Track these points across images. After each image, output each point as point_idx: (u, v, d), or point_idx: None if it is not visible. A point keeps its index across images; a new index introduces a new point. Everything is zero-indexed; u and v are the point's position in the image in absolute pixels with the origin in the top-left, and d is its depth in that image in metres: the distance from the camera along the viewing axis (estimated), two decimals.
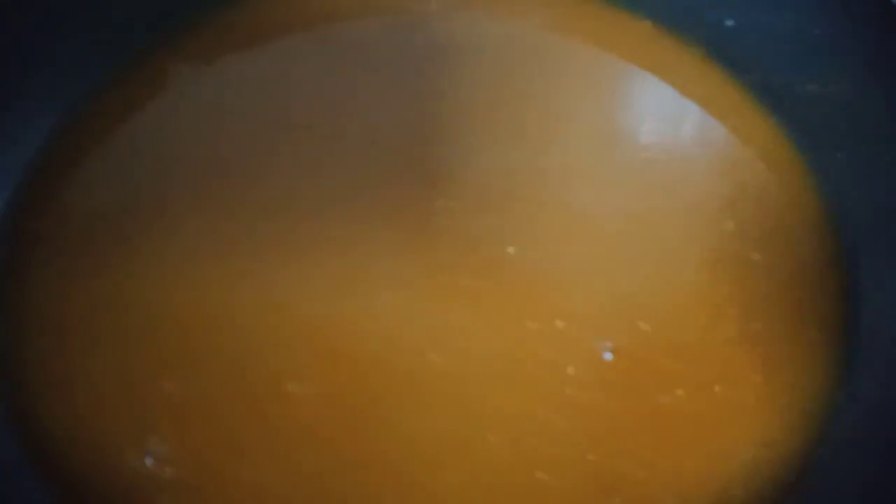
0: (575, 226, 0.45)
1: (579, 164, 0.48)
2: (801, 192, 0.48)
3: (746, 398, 0.40)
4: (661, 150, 0.48)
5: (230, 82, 0.52)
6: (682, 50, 0.53)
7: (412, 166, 0.47)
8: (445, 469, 0.39)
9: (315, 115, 0.51)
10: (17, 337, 0.42)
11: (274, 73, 0.53)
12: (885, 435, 0.40)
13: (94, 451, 0.39)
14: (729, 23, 0.54)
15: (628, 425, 0.39)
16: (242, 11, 0.55)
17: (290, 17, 0.55)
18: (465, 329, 0.42)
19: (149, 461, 0.38)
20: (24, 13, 0.47)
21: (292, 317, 0.42)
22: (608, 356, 0.40)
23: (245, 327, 0.42)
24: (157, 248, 0.44)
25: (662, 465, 0.39)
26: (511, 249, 0.44)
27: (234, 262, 0.44)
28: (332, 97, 0.51)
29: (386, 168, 0.47)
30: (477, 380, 0.40)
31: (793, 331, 0.42)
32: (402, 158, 0.48)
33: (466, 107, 0.50)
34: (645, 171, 0.47)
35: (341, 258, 0.44)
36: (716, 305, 0.42)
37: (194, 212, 0.46)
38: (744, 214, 0.46)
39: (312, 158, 0.48)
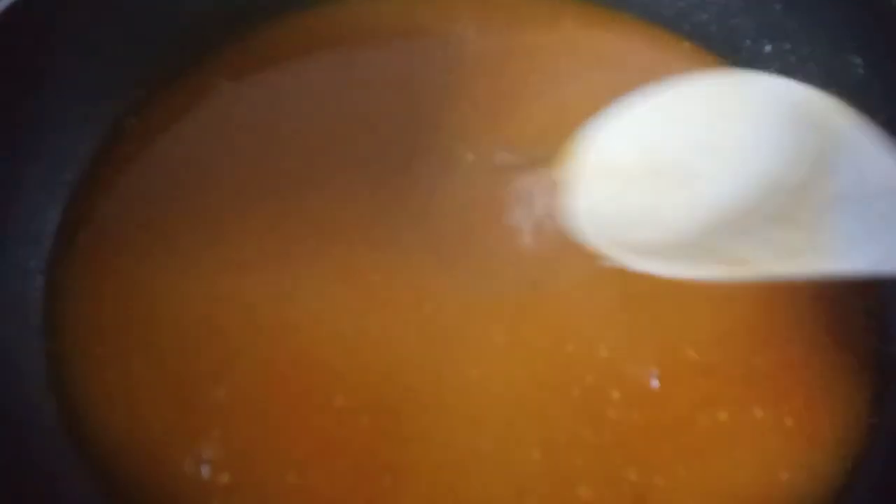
0: None
1: None
2: None
3: (785, 422, 0.41)
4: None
5: (269, 97, 0.54)
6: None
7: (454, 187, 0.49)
8: (488, 482, 0.39)
9: (352, 128, 0.52)
10: (70, 347, 0.44)
11: (311, 87, 0.54)
12: None
13: (145, 458, 0.40)
14: None
15: (670, 446, 0.40)
16: (281, 28, 0.56)
17: (326, 34, 0.57)
18: (508, 349, 0.43)
19: (202, 468, 0.39)
20: (64, 33, 0.48)
21: (338, 329, 0.43)
22: (655, 383, 0.41)
23: (293, 338, 0.43)
24: (203, 260, 0.46)
25: (702, 485, 0.40)
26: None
27: (280, 274, 0.45)
28: (366, 112, 0.53)
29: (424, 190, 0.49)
30: (519, 399, 0.41)
31: (830, 357, 0.43)
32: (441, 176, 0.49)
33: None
34: None
35: (385, 276, 0.45)
36: (759, 332, 0.43)
37: (238, 223, 0.47)
38: None
39: (352, 173, 0.50)
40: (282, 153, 0.51)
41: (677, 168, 0.41)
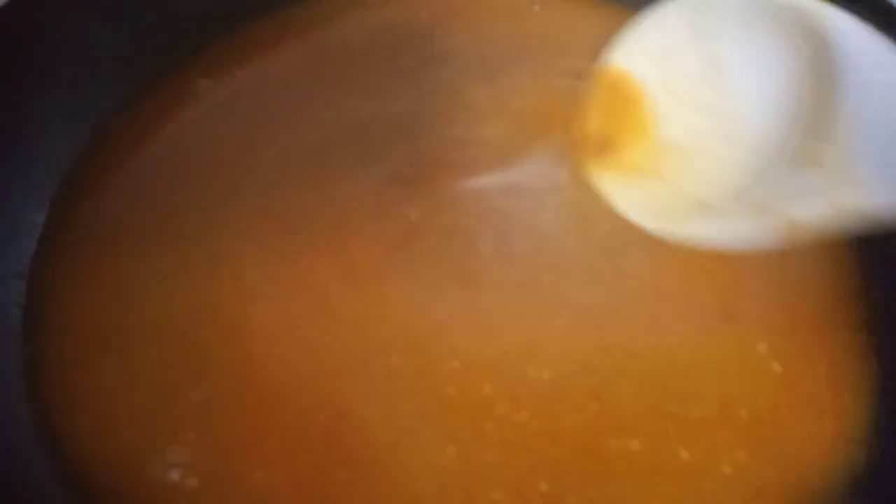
0: None
1: None
2: None
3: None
4: None
5: (253, 97, 0.53)
6: None
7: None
8: (413, 476, 0.40)
9: (340, 130, 0.51)
10: (48, 352, 0.44)
11: (296, 86, 0.53)
12: None
13: (118, 464, 0.40)
14: None
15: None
16: (265, 26, 0.56)
17: (312, 30, 0.56)
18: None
19: (172, 472, 0.39)
20: (47, 35, 0.48)
21: (302, 334, 0.43)
22: None
23: (262, 342, 0.43)
24: (182, 265, 0.45)
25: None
26: None
27: (256, 279, 0.45)
28: (354, 112, 0.52)
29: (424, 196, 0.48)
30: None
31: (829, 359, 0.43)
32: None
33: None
34: None
35: (347, 285, 0.45)
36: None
37: (220, 227, 0.47)
38: None
39: (337, 177, 0.49)
40: (266, 155, 0.50)
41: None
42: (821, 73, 0.37)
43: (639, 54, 0.41)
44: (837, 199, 0.35)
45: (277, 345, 0.43)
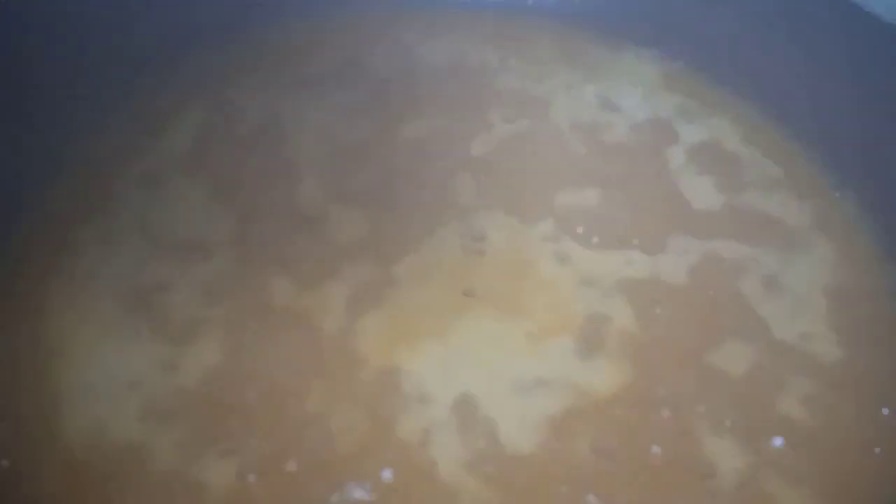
0: None
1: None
2: None
3: None
4: None
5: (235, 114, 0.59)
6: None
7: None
8: None
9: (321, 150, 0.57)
10: None
11: (270, 108, 0.60)
12: None
13: None
14: None
15: None
16: (241, 47, 0.63)
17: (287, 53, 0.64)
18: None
19: None
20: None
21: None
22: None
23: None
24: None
25: None
26: None
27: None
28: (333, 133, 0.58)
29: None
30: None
31: None
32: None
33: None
34: None
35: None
36: None
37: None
38: None
39: (314, 201, 0.54)
40: (240, 177, 0.56)
41: None
42: None
43: None
44: None
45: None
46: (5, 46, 0.53)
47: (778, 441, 0.45)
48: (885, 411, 0.46)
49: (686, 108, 0.63)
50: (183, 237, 0.52)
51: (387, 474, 0.42)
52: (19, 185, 0.52)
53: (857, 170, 0.58)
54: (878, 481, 0.43)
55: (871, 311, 0.51)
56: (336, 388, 0.45)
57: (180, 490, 0.41)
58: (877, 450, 0.45)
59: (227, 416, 0.44)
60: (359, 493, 0.42)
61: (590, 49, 0.66)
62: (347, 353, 0.47)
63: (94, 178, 0.55)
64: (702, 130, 0.61)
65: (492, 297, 0.50)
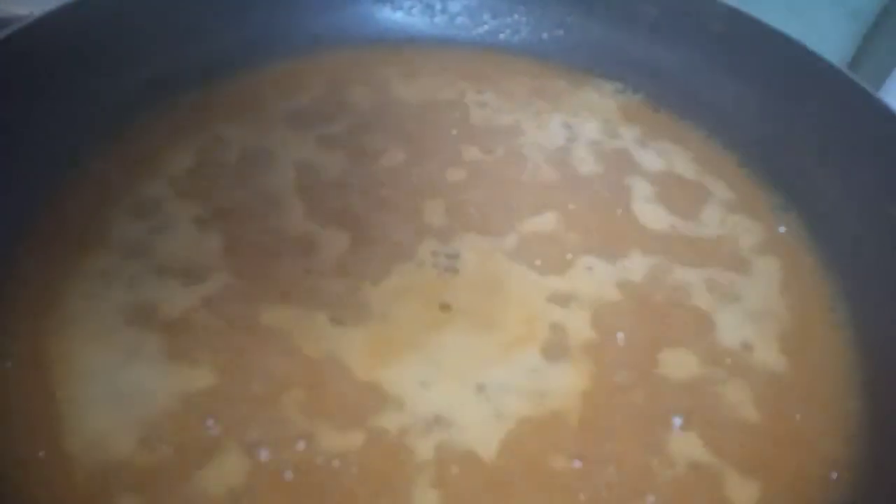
0: None
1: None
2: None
3: None
4: None
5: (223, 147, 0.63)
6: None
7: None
8: None
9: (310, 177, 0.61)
10: None
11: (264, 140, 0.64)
12: None
13: None
14: None
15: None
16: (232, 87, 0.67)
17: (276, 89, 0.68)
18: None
19: None
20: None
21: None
22: None
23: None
24: None
25: None
26: None
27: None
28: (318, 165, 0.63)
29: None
30: None
31: None
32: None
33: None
34: None
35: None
36: None
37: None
38: None
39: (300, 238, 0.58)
40: (229, 205, 0.59)
41: None
42: None
43: None
44: None
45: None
46: (6, 79, 0.56)
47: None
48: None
49: (644, 138, 0.68)
50: (176, 261, 0.55)
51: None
52: (19, 209, 0.56)
53: (803, 193, 0.63)
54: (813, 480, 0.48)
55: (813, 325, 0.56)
56: (321, 401, 0.49)
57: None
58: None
59: (222, 430, 0.47)
60: None
61: (556, 83, 0.72)
62: (331, 367, 0.50)
63: (91, 206, 0.58)
64: (659, 158, 0.66)
65: (467, 312, 0.54)
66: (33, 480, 0.44)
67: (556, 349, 0.52)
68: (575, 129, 0.68)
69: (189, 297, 0.53)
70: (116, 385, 0.48)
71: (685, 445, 0.48)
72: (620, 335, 0.53)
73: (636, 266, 0.58)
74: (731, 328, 0.55)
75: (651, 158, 0.66)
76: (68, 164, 0.59)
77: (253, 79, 0.69)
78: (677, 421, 0.49)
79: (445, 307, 0.54)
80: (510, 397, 0.49)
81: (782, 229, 0.62)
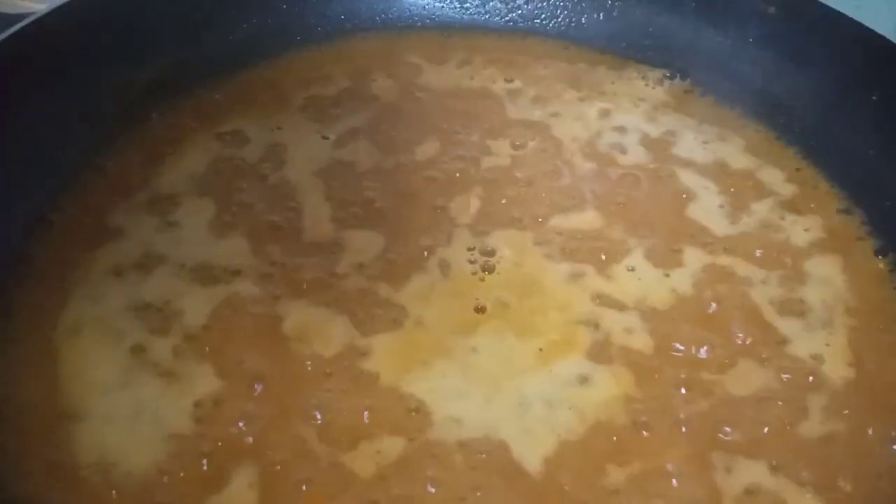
0: None
1: None
2: None
3: None
4: None
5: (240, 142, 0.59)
6: None
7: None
8: None
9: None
10: None
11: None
12: None
13: None
14: None
15: None
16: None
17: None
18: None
19: None
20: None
21: None
22: None
23: None
24: None
25: None
26: None
27: None
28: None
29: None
30: None
31: None
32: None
33: None
34: None
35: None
36: None
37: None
38: None
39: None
40: (247, 203, 0.56)
41: None
42: None
43: None
44: None
45: None
46: (20, 73, 0.54)
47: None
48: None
49: (692, 127, 0.63)
50: (190, 261, 0.52)
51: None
52: (33, 205, 0.53)
53: (866, 188, 0.58)
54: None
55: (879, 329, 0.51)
56: (346, 407, 0.45)
57: None
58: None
59: (237, 435, 0.43)
60: None
61: (596, 70, 0.67)
62: (357, 373, 0.46)
63: (106, 202, 0.55)
64: (709, 149, 0.61)
65: (502, 315, 0.49)
66: (40, 485, 0.41)
67: (599, 357, 0.48)
68: (617, 119, 0.63)
69: (206, 298, 0.50)
70: (127, 388, 0.45)
71: (744, 466, 0.43)
72: (673, 342, 0.49)
73: (686, 266, 0.53)
74: (795, 336, 0.50)
75: (700, 149, 0.61)
76: (83, 158, 0.57)
77: (275, 68, 0.65)
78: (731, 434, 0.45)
79: (480, 309, 0.50)
80: (548, 407, 0.45)
81: (843, 226, 0.57)
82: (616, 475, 0.43)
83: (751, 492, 0.42)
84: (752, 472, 0.43)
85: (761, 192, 0.59)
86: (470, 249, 0.53)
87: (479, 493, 0.42)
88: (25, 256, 0.51)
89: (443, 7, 0.70)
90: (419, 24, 0.69)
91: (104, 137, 0.57)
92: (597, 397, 0.46)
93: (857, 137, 0.59)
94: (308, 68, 0.65)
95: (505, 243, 0.53)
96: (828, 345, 0.49)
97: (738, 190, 0.58)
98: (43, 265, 0.51)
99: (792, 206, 0.58)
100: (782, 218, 0.57)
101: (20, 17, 0.55)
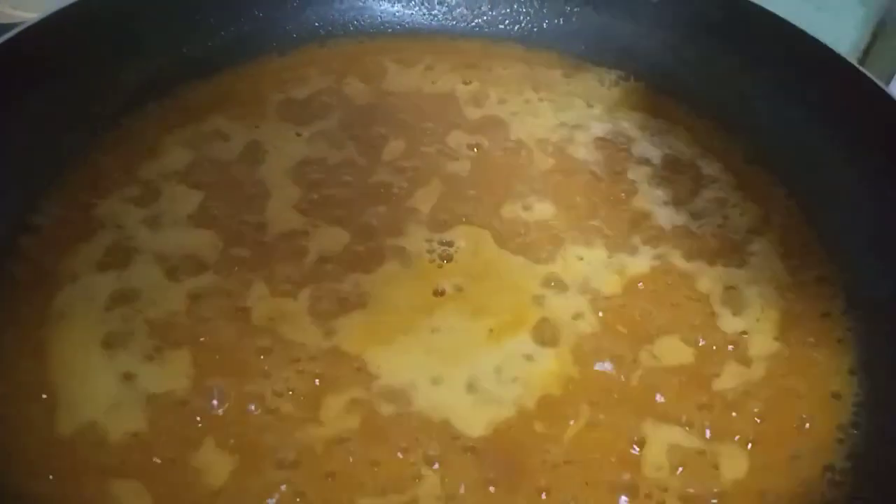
0: None
1: None
2: None
3: None
4: None
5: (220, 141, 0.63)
6: None
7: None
8: None
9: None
10: None
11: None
12: None
13: None
14: None
15: None
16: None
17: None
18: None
19: None
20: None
21: None
22: None
23: None
24: None
25: None
26: None
27: None
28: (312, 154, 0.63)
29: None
30: None
31: None
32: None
33: None
34: None
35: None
36: None
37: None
38: None
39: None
40: (225, 198, 0.59)
41: None
42: None
43: None
44: None
45: None
46: (13, 75, 0.57)
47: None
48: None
49: (644, 126, 0.67)
50: (171, 254, 0.55)
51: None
52: (22, 199, 0.56)
53: (805, 178, 0.62)
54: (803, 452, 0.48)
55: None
56: (317, 385, 0.49)
57: (178, 478, 0.45)
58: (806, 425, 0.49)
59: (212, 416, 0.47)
60: None
61: (554, 73, 0.71)
62: (327, 352, 0.50)
63: (89, 198, 0.58)
64: (659, 146, 0.66)
65: (459, 298, 0.54)
66: (26, 470, 0.45)
67: (545, 336, 0.52)
68: (572, 118, 0.67)
69: (181, 289, 0.53)
70: (108, 374, 0.49)
71: (671, 430, 0.48)
72: (617, 326, 0.53)
73: (634, 254, 0.57)
74: (727, 315, 0.54)
75: (650, 146, 0.65)
76: (69, 155, 0.60)
77: (253, 71, 0.69)
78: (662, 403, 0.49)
79: (440, 293, 0.54)
80: (497, 382, 0.49)
81: (782, 211, 0.61)
82: (557, 446, 0.47)
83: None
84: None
85: (708, 184, 0.63)
86: (428, 240, 0.57)
87: (435, 463, 0.46)
88: (15, 249, 0.54)
89: (412, 14, 0.74)
90: (389, 29, 0.73)
91: (89, 136, 0.61)
92: (541, 372, 0.50)
93: (798, 133, 0.63)
94: (284, 71, 0.69)
95: (462, 235, 0.57)
96: (758, 320, 0.54)
97: (686, 183, 0.63)
98: (30, 258, 0.54)
99: (736, 196, 0.62)
100: (725, 206, 0.61)
101: (10, 26, 0.58)
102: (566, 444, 0.47)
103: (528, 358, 0.51)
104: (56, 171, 0.59)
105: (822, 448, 0.48)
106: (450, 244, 0.57)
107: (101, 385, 0.48)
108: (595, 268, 0.56)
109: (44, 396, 0.48)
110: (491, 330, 0.52)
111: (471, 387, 0.49)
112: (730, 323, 0.54)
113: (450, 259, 0.56)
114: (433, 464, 0.46)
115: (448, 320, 0.52)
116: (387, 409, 0.48)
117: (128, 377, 0.49)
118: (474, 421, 0.48)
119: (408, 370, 0.50)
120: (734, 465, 0.47)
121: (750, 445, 0.48)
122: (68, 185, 0.59)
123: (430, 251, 0.56)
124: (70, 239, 0.56)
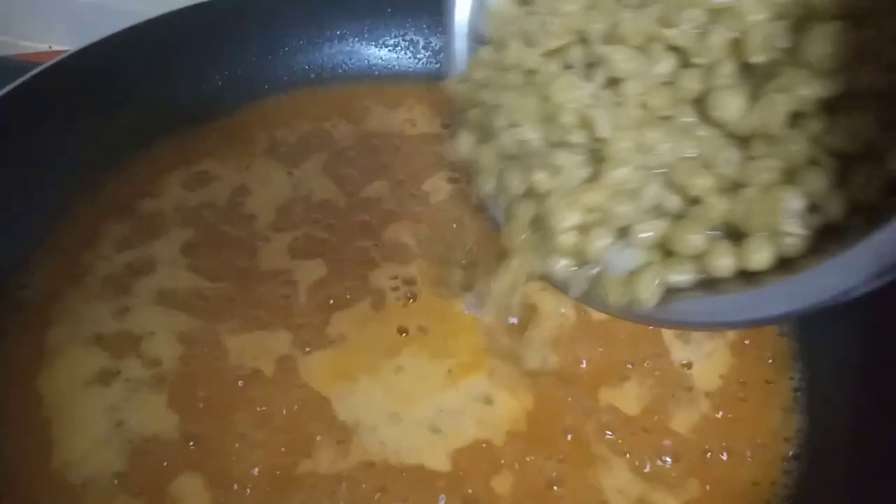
0: None
1: None
2: None
3: None
4: None
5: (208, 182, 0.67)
6: None
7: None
8: None
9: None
10: None
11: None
12: None
13: None
14: None
15: None
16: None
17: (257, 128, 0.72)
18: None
19: None
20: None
21: None
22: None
23: None
24: None
25: None
26: None
27: None
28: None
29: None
30: None
31: None
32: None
33: None
34: None
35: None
36: None
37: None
38: None
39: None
40: (212, 238, 0.63)
41: None
42: None
43: None
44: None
45: None
46: (23, 117, 0.61)
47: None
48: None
49: None
50: (159, 292, 0.59)
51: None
52: (18, 242, 0.60)
53: None
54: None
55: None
56: (280, 418, 0.52)
57: None
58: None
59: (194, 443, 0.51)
60: None
61: None
62: (292, 387, 0.54)
63: (80, 240, 0.62)
64: None
65: (422, 337, 0.57)
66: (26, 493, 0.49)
67: (502, 377, 0.55)
68: None
69: (173, 322, 0.57)
70: (102, 406, 0.53)
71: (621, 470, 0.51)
72: (579, 360, 0.56)
73: None
74: (678, 347, 0.57)
75: None
76: (66, 197, 0.64)
77: (245, 113, 0.73)
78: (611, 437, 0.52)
79: (403, 331, 0.57)
80: (454, 420, 0.52)
81: None
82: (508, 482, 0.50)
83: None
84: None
85: None
86: (393, 278, 0.60)
87: (385, 492, 0.49)
88: (14, 283, 0.59)
89: (398, 58, 0.78)
90: (377, 72, 0.77)
91: (87, 177, 0.65)
92: (497, 411, 0.53)
93: None
94: (275, 113, 0.73)
95: (425, 273, 0.60)
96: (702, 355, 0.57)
97: None
98: (31, 291, 0.59)
99: None
100: None
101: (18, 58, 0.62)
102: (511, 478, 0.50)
103: (487, 400, 0.54)
104: (50, 213, 0.62)
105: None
106: (412, 283, 0.60)
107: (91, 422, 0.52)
108: (548, 308, 0.58)
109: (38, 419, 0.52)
110: (449, 371, 0.55)
111: (431, 425, 0.52)
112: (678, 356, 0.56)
113: (415, 298, 0.59)
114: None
115: (411, 360, 0.56)
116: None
117: (117, 408, 0.52)
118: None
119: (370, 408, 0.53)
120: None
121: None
122: (66, 222, 0.63)
123: (395, 288, 0.59)
124: (67, 274, 0.60)
